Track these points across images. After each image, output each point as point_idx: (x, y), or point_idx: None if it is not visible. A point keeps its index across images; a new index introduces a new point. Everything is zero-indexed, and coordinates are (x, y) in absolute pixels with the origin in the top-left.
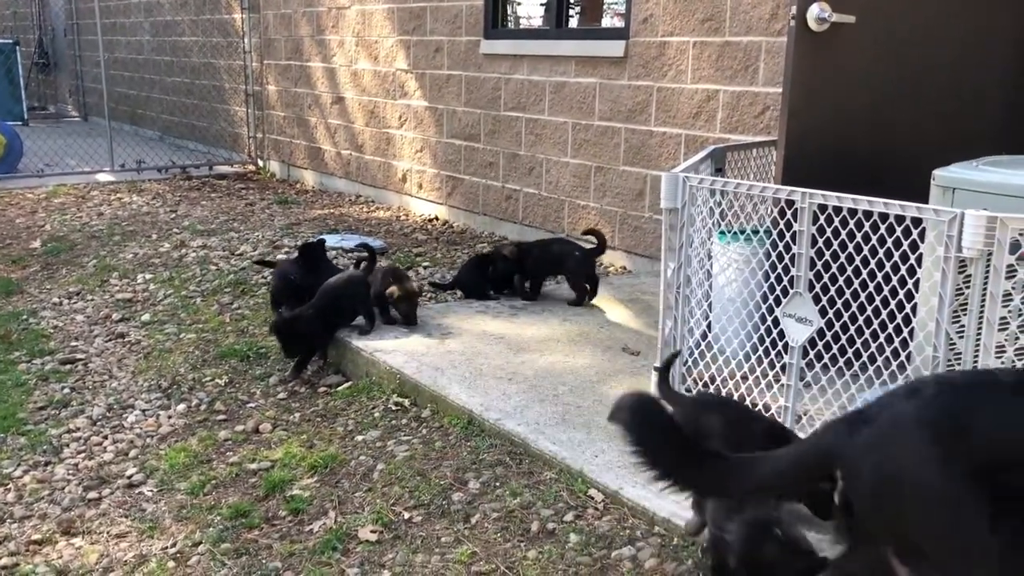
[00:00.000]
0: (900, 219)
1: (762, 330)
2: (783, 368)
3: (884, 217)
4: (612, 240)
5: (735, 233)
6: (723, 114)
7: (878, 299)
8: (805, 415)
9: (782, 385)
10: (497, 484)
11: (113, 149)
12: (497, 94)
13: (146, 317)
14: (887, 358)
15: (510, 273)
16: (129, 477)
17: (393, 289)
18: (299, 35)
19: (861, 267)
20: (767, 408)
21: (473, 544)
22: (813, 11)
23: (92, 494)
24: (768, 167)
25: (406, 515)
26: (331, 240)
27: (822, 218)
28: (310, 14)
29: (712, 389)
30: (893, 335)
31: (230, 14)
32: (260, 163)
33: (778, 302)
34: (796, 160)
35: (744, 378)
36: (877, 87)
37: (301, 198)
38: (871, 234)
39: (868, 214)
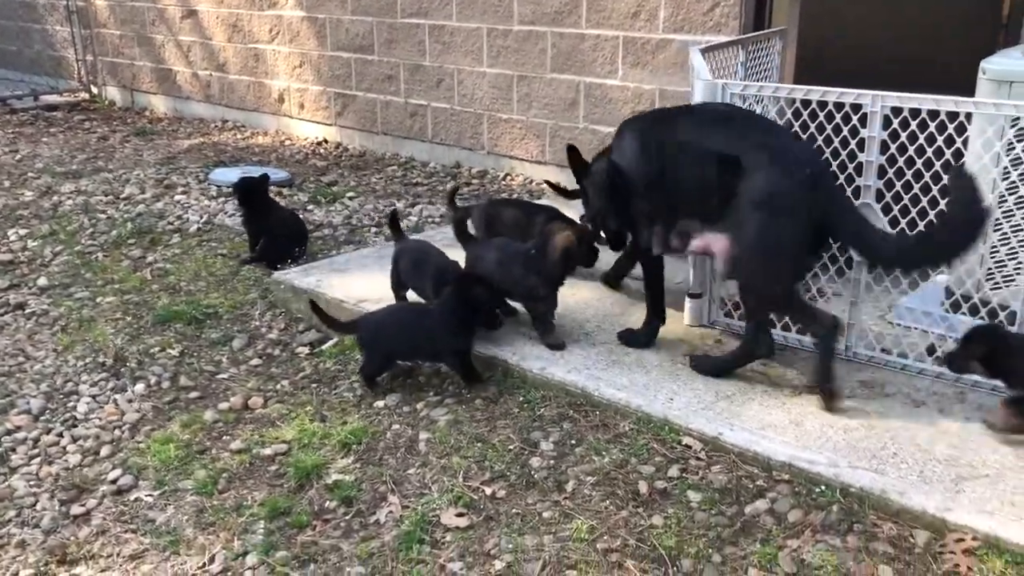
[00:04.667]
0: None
1: None
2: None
3: (916, 113)
4: (543, 155)
5: None
6: (666, 12)
7: (913, 202)
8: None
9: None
10: (573, 442)
11: None
12: None
13: (43, 282)
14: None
15: None
16: (114, 481)
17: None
18: None
19: (904, 169)
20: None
21: (584, 516)
22: None
23: (76, 508)
24: (733, 67)
25: (487, 491)
26: (231, 174)
27: (838, 117)
28: None
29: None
30: None
31: None
32: (94, 90)
33: None
34: (808, 59)
35: None
36: None
37: (159, 127)
38: (914, 133)
39: (898, 111)
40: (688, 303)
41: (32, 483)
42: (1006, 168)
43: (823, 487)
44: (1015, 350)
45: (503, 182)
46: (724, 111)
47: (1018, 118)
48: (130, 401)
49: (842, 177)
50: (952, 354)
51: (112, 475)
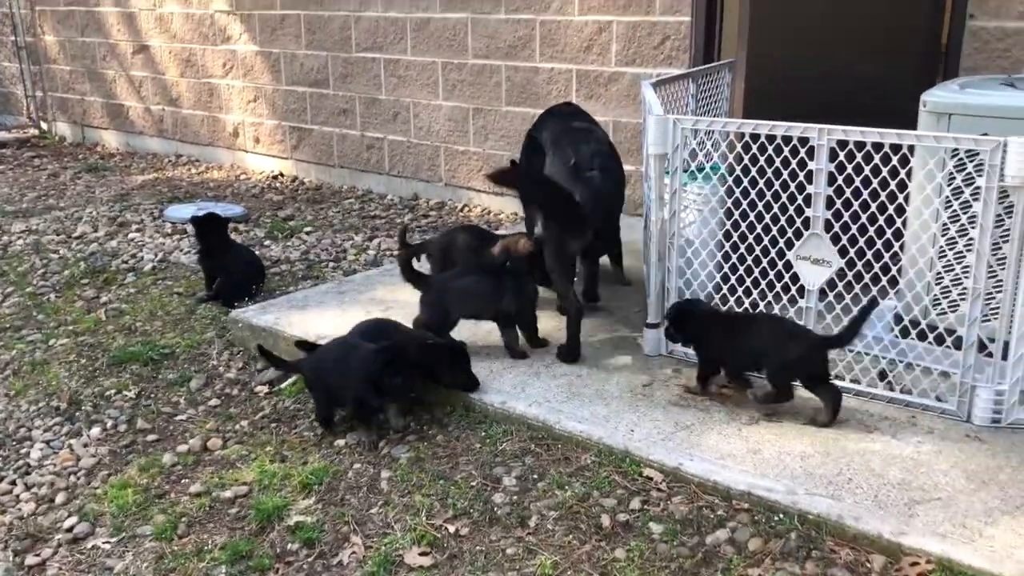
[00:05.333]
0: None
1: (726, 269)
2: (752, 306)
3: (861, 145)
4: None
5: (691, 172)
6: (618, 46)
7: (861, 232)
8: None
9: None
10: (536, 477)
11: None
12: (347, 34)
13: None
14: (879, 289)
15: None
16: (70, 529)
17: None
18: None
19: (852, 199)
20: None
21: (548, 552)
22: None
23: (30, 558)
24: (684, 99)
25: (450, 528)
26: (188, 211)
27: (786, 150)
28: None
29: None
30: (880, 275)
31: None
32: (44, 126)
33: (743, 239)
34: (757, 90)
35: None
36: (827, 7)
37: (111, 163)
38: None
39: (844, 144)
40: (646, 333)
41: None
42: (948, 198)
43: (781, 515)
44: (701, 320)
45: (461, 213)
46: (564, 112)
47: (957, 150)
48: (85, 446)
49: (791, 208)
50: (666, 328)
51: (68, 523)
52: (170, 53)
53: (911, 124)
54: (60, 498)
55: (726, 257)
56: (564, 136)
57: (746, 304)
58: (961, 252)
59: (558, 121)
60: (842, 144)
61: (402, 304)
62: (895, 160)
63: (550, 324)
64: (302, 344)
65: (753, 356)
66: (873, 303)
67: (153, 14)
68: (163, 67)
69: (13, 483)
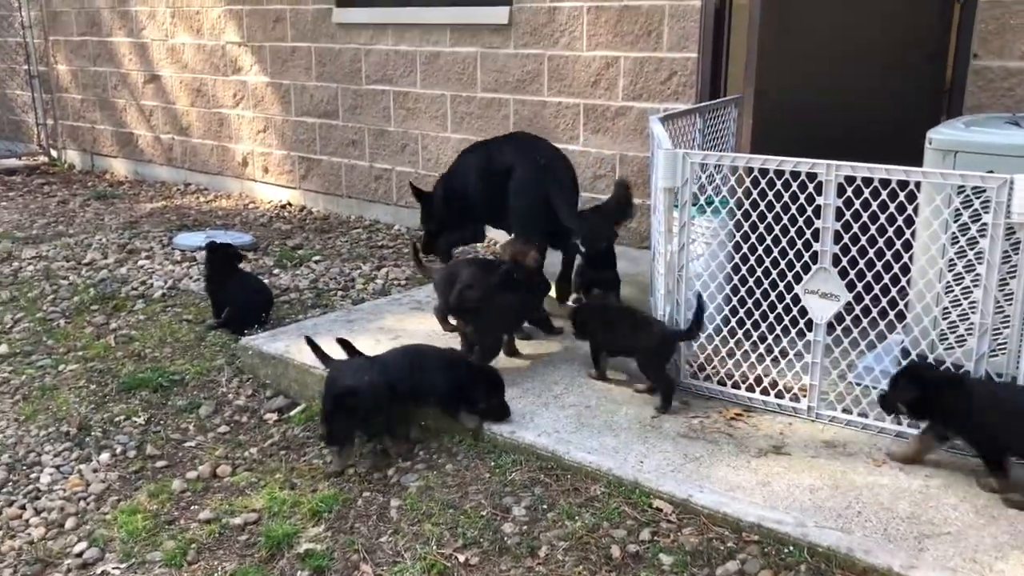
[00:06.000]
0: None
1: (734, 302)
2: (760, 339)
3: (868, 181)
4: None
5: (700, 206)
6: (625, 81)
7: (868, 267)
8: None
9: (805, 363)
10: (545, 507)
11: None
12: (357, 67)
13: (3, 349)
14: (884, 324)
15: None
16: (80, 554)
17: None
18: (95, 7)
19: (859, 234)
20: (759, 381)
21: None
22: None
23: None
24: (691, 134)
25: (460, 558)
26: (197, 239)
27: (794, 185)
28: None
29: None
30: (888, 309)
31: None
32: (54, 153)
33: (752, 273)
34: (764, 126)
35: (731, 354)
36: (833, 45)
37: (120, 191)
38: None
39: (851, 179)
40: None
41: None
42: (954, 234)
43: (791, 547)
44: (589, 315)
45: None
46: (515, 137)
47: (963, 187)
48: (95, 471)
49: (799, 242)
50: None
51: (77, 548)
52: (180, 83)
53: (917, 159)
54: (70, 523)
55: (734, 290)
56: (531, 146)
57: (754, 337)
58: (968, 288)
59: (521, 140)
60: (850, 180)
61: (410, 333)
62: (902, 196)
63: (557, 355)
64: (342, 341)
65: (622, 344)
66: (702, 302)
67: (165, 45)
68: (173, 97)
69: (23, 508)
